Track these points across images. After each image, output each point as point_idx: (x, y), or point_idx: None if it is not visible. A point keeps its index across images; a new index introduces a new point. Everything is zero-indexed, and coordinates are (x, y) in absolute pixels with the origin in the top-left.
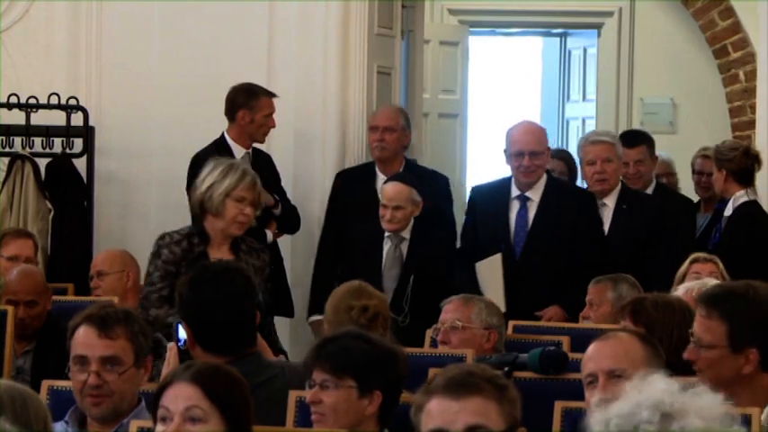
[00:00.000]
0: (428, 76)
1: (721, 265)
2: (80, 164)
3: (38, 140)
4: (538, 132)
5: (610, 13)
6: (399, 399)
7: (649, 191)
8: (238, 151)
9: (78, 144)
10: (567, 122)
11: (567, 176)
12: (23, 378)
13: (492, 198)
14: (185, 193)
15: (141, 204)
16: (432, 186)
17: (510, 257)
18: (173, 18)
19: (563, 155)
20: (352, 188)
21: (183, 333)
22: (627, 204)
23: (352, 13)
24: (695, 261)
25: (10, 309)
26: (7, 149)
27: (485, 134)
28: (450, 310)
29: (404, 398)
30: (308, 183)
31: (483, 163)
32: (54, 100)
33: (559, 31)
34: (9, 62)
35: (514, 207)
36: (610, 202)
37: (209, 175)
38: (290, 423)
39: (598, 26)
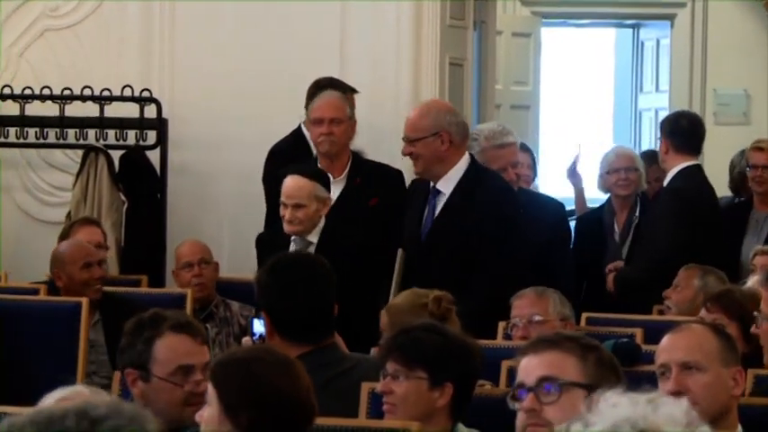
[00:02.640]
0: (500, 68)
1: None
2: (153, 156)
3: (111, 133)
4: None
5: (683, 4)
6: (473, 392)
7: None
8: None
9: (152, 136)
10: (640, 114)
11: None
12: (98, 351)
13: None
14: (260, 184)
15: (214, 196)
16: (383, 182)
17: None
18: (246, 10)
19: (526, 147)
20: None
21: (257, 327)
22: None
23: (425, 4)
24: (758, 254)
25: (84, 301)
26: (81, 142)
27: (557, 126)
28: (526, 305)
29: (479, 391)
30: None
31: (555, 155)
32: (127, 92)
33: (632, 22)
34: (83, 55)
35: (430, 201)
36: None
37: None
38: (362, 414)
39: (671, 17)
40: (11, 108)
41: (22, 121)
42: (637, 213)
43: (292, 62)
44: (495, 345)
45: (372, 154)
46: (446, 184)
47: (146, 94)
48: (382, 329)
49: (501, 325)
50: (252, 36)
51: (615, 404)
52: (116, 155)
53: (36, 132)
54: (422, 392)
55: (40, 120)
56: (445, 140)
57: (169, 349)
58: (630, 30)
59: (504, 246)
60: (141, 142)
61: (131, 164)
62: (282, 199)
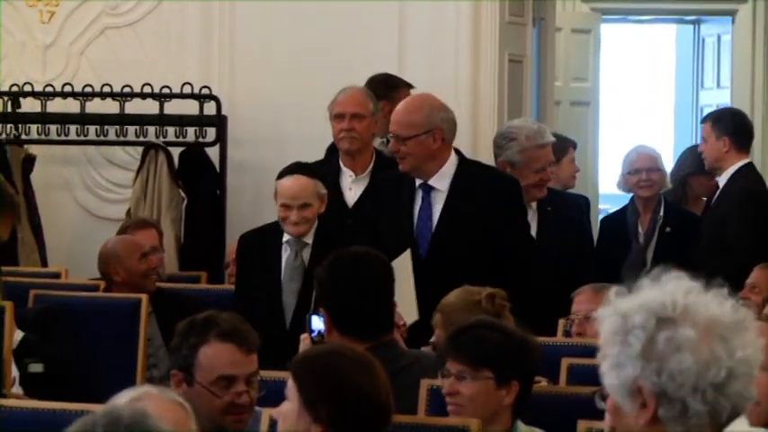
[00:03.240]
0: (560, 64)
1: None
2: (213, 152)
3: (171, 130)
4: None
5: (744, 0)
6: (532, 388)
7: None
8: (374, 139)
9: (211, 133)
10: (702, 110)
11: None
12: (155, 344)
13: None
14: None
15: (272, 192)
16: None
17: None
18: (304, 7)
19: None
20: None
21: (316, 324)
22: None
23: (484, 2)
24: None
25: (144, 297)
26: (141, 139)
27: (617, 123)
28: (584, 301)
29: (537, 388)
30: None
31: (615, 151)
32: (187, 90)
33: (693, 18)
34: (143, 53)
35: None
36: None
37: None
38: (421, 411)
39: (732, 13)
40: (72, 106)
41: (83, 118)
42: (661, 214)
43: (350, 59)
44: (555, 342)
45: None
46: (441, 181)
47: (205, 91)
48: (434, 327)
49: (561, 322)
50: (310, 33)
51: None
52: (176, 152)
53: (96, 130)
54: (489, 392)
55: (101, 117)
56: (437, 138)
57: (212, 358)
58: (691, 26)
59: (527, 234)
60: (201, 139)
61: (191, 161)
62: (285, 201)
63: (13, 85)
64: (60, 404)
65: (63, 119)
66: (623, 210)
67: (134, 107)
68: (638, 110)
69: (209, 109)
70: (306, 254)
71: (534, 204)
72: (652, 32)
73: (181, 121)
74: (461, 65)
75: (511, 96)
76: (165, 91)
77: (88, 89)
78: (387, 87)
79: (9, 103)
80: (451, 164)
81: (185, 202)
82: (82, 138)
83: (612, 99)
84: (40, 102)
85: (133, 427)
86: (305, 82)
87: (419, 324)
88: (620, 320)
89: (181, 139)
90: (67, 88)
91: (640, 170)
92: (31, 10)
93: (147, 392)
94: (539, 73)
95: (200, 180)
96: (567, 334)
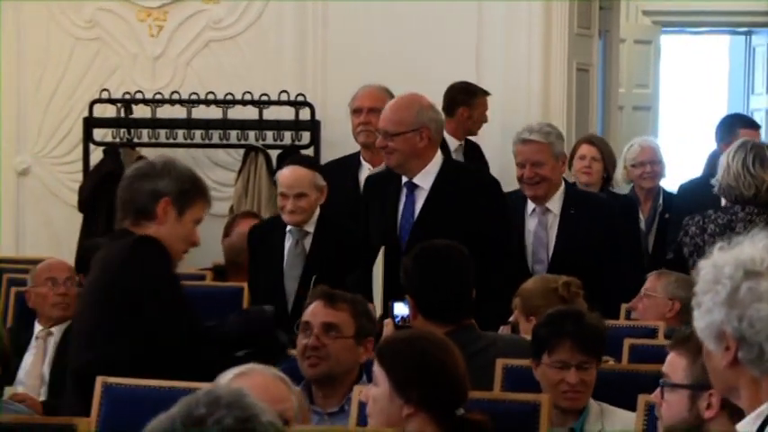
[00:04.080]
0: (623, 72)
1: None
2: (307, 154)
3: (269, 134)
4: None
5: None
6: None
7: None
8: (453, 143)
9: (306, 137)
10: (752, 114)
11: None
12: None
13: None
14: None
15: None
16: None
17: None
18: (391, 20)
19: (593, 141)
20: (332, 181)
21: (399, 309)
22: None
23: (554, 14)
24: None
25: (245, 285)
26: (242, 142)
27: (675, 125)
28: (647, 282)
29: (603, 366)
30: (514, 173)
31: (674, 151)
32: (284, 97)
33: (745, 29)
34: (244, 63)
35: (403, 196)
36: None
37: None
38: (497, 388)
39: None
40: (179, 112)
41: (189, 123)
42: (660, 202)
43: (432, 68)
44: (618, 324)
45: (506, 153)
46: (424, 179)
47: (300, 98)
48: (514, 309)
49: (623, 307)
50: (396, 43)
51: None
52: (273, 154)
53: (201, 134)
54: (594, 377)
55: (206, 122)
56: (424, 137)
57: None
58: (743, 36)
59: (502, 234)
60: (296, 142)
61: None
62: (283, 190)
63: (125, 93)
64: (169, 382)
65: (171, 124)
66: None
67: (235, 113)
68: (694, 113)
69: (304, 114)
70: (307, 242)
71: (557, 208)
72: (707, 43)
73: (278, 125)
74: (533, 73)
75: (578, 102)
76: (264, 98)
77: (194, 96)
78: (466, 94)
79: (122, 110)
80: (436, 163)
81: None
82: (188, 141)
83: (671, 103)
84: (150, 108)
85: (233, 404)
86: (391, 87)
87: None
88: (714, 271)
89: (278, 143)
90: (175, 96)
91: (644, 163)
92: (141, 24)
93: (251, 368)
94: (604, 80)
95: None
96: (628, 315)
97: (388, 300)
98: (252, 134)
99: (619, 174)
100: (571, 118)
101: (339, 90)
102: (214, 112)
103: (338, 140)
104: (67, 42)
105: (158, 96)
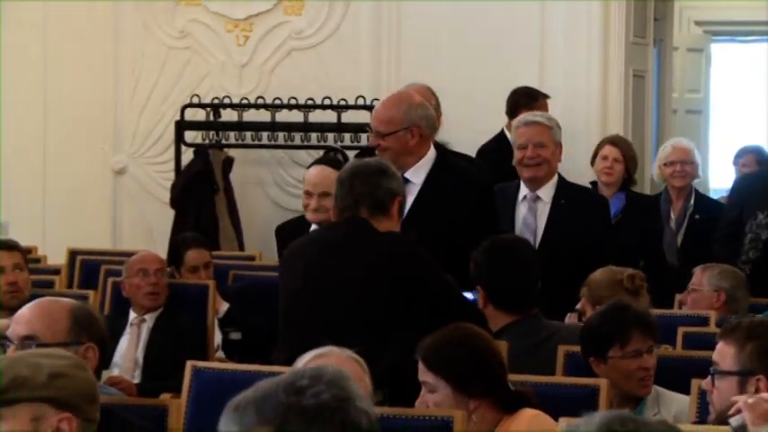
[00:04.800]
0: (676, 78)
1: None
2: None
3: (347, 136)
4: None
5: None
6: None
7: None
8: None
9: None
10: None
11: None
12: None
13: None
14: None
15: None
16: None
17: None
18: (459, 31)
19: (616, 142)
20: None
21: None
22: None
23: (612, 24)
24: None
25: None
26: (322, 143)
27: (725, 127)
28: (694, 275)
29: (661, 352)
30: (574, 172)
31: (722, 152)
32: (360, 101)
33: None
34: (323, 70)
35: None
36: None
37: None
38: (559, 373)
39: None
40: (263, 115)
41: (273, 126)
42: (691, 202)
43: (500, 73)
44: (672, 313)
45: (567, 151)
46: (416, 174)
47: (375, 102)
48: (581, 297)
49: (677, 297)
50: (463, 51)
51: None
52: (351, 154)
53: (284, 136)
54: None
55: (288, 125)
56: (415, 134)
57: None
58: None
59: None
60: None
61: None
62: (308, 188)
63: (214, 99)
64: (255, 366)
65: (256, 126)
66: (657, 197)
67: (316, 117)
68: (741, 116)
69: None
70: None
71: (548, 197)
72: (754, 50)
73: (355, 128)
74: (593, 79)
75: (635, 106)
76: (342, 103)
77: (277, 101)
78: (528, 97)
79: (211, 114)
80: (429, 159)
81: None
82: (272, 142)
83: (721, 108)
84: (237, 112)
85: (334, 381)
86: (460, 91)
87: None
88: None
89: (355, 144)
90: (260, 101)
91: (675, 162)
92: (229, 35)
93: (329, 350)
94: (658, 86)
95: None
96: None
97: None
98: (331, 136)
99: (654, 172)
100: (628, 121)
101: None
102: (296, 116)
103: None
104: (161, 51)
105: (244, 101)
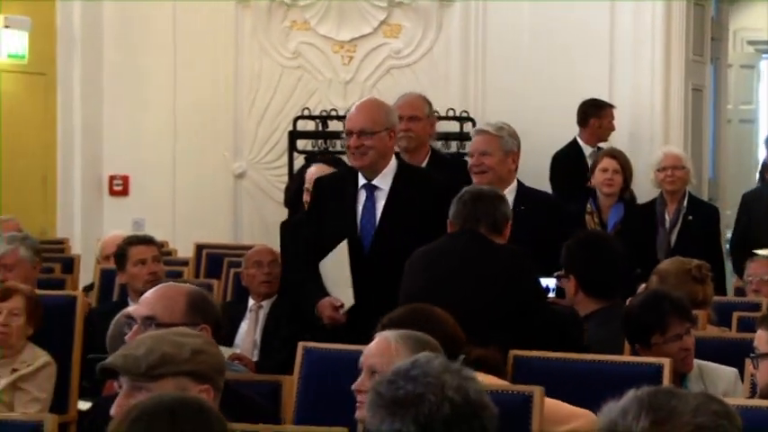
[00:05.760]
0: (731, 92)
1: None
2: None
3: (439, 143)
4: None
5: None
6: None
7: None
8: (587, 149)
9: (468, 146)
10: None
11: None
12: None
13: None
14: (545, 185)
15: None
16: (456, 173)
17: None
18: (537, 56)
19: (614, 154)
20: None
21: (545, 282)
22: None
23: (673, 44)
24: None
25: None
26: None
27: None
28: (759, 267)
29: (719, 334)
30: (639, 173)
31: None
32: (450, 113)
33: None
34: (418, 86)
35: (361, 197)
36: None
37: None
38: (626, 352)
39: None
40: None
41: None
42: (685, 204)
43: (573, 87)
44: (728, 300)
45: (633, 155)
46: (383, 180)
47: (464, 114)
48: (649, 285)
49: (734, 283)
50: (543, 68)
51: None
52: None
53: None
54: None
55: None
56: (393, 137)
57: None
58: None
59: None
60: (461, 151)
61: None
62: (308, 185)
63: (322, 111)
64: (358, 347)
65: None
66: (653, 201)
67: None
68: None
69: (467, 127)
70: None
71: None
72: None
73: (446, 137)
74: (656, 92)
75: (693, 117)
76: (435, 114)
77: None
78: (596, 107)
79: (320, 125)
80: (393, 166)
81: None
82: None
83: None
84: (342, 123)
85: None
86: (538, 102)
87: (356, 309)
88: None
89: (446, 151)
90: None
91: (667, 168)
92: (335, 55)
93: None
94: (715, 99)
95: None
96: (739, 292)
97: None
98: None
99: (648, 179)
100: (687, 130)
101: (496, 107)
102: None
103: None
104: (276, 70)
105: None
